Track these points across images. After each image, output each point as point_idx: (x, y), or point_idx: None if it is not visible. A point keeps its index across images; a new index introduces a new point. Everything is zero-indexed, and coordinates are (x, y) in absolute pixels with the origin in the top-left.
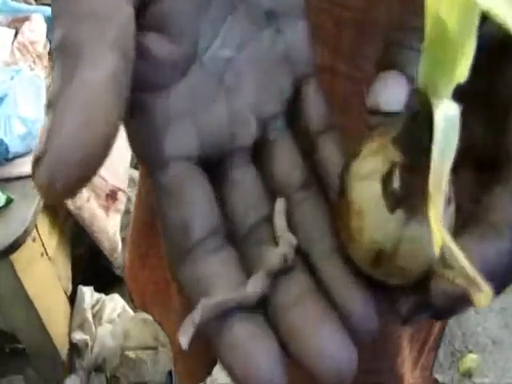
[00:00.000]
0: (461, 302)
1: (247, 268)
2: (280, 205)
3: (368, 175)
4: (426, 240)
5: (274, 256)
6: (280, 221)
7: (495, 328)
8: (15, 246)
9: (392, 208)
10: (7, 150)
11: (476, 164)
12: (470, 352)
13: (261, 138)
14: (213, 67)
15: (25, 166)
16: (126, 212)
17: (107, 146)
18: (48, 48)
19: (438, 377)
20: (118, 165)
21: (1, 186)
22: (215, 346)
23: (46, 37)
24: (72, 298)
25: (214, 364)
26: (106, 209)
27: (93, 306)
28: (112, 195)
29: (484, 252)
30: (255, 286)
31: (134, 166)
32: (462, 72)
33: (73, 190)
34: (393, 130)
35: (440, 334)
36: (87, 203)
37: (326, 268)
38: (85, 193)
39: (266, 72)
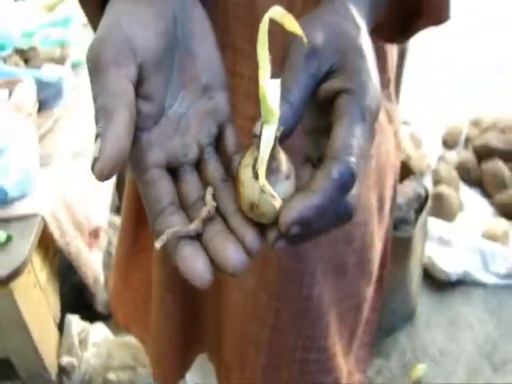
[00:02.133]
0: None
1: (191, 221)
2: (209, 190)
3: (247, 165)
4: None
5: (204, 211)
6: (208, 196)
7: (442, 340)
8: (14, 275)
9: (256, 179)
10: (6, 195)
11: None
12: (420, 362)
13: (200, 157)
14: (173, 118)
15: (22, 208)
16: (108, 252)
17: (124, 157)
18: (37, 107)
19: None
20: (100, 207)
21: (2, 226)
22: (173, 258)
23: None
24: (60, 326)
25: (187, 367)
26: (90, 245)
27: (79, 333)
28: (94, 233)
29: (305, 202)
30: (194, 226)
31: (114, 210)
32: (272, 117)
33: (110, 175)
34: None
35: (370, 327)
36: (74, 240)
37: (233, 218)
38: (73, 231)
39: (203, 120)
